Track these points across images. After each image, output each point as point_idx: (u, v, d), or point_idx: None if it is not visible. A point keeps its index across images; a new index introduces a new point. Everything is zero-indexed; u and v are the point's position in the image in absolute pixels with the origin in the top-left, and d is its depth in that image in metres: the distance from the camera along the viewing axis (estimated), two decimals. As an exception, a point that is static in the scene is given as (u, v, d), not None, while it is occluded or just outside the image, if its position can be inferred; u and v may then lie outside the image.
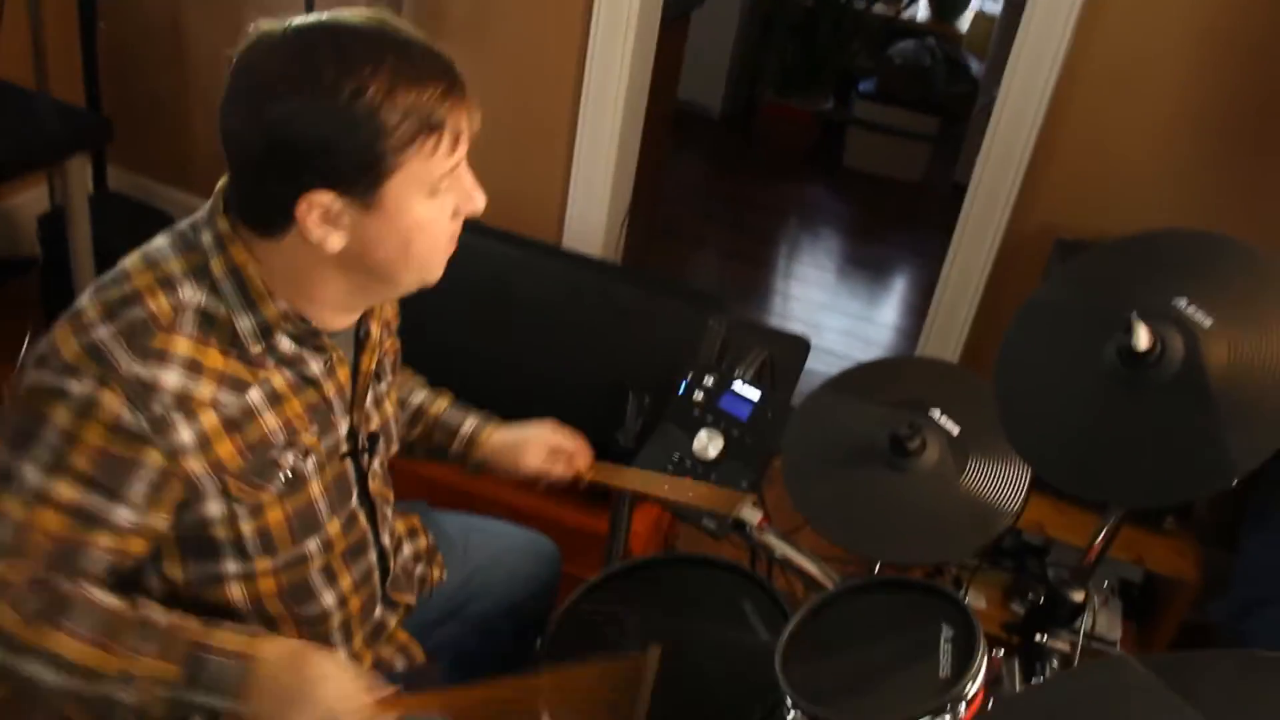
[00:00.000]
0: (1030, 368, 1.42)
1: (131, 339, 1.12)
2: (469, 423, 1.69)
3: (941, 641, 1.30)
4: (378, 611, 1.49)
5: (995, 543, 1.54)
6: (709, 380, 1.86)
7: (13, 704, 1.30)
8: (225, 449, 1.18)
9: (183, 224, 1.23)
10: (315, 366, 1.26)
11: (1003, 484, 1.52)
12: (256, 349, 1.20)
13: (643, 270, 3.44)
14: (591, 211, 3.00)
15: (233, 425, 1.18)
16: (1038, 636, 1.47)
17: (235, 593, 1.29)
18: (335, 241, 1.16)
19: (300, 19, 1.12)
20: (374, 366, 1.37)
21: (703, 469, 1.76)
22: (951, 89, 5.23)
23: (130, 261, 1.20)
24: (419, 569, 1.61)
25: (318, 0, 2.73)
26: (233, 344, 1.19)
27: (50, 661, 1.14)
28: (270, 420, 1.21)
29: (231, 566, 1.27)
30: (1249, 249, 1.32)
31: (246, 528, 1.24)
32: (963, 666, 1.24)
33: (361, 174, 1.12)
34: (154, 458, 1.14)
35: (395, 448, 1.49)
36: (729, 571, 1.64)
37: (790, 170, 5.37)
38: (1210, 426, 1.23)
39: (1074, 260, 1.47)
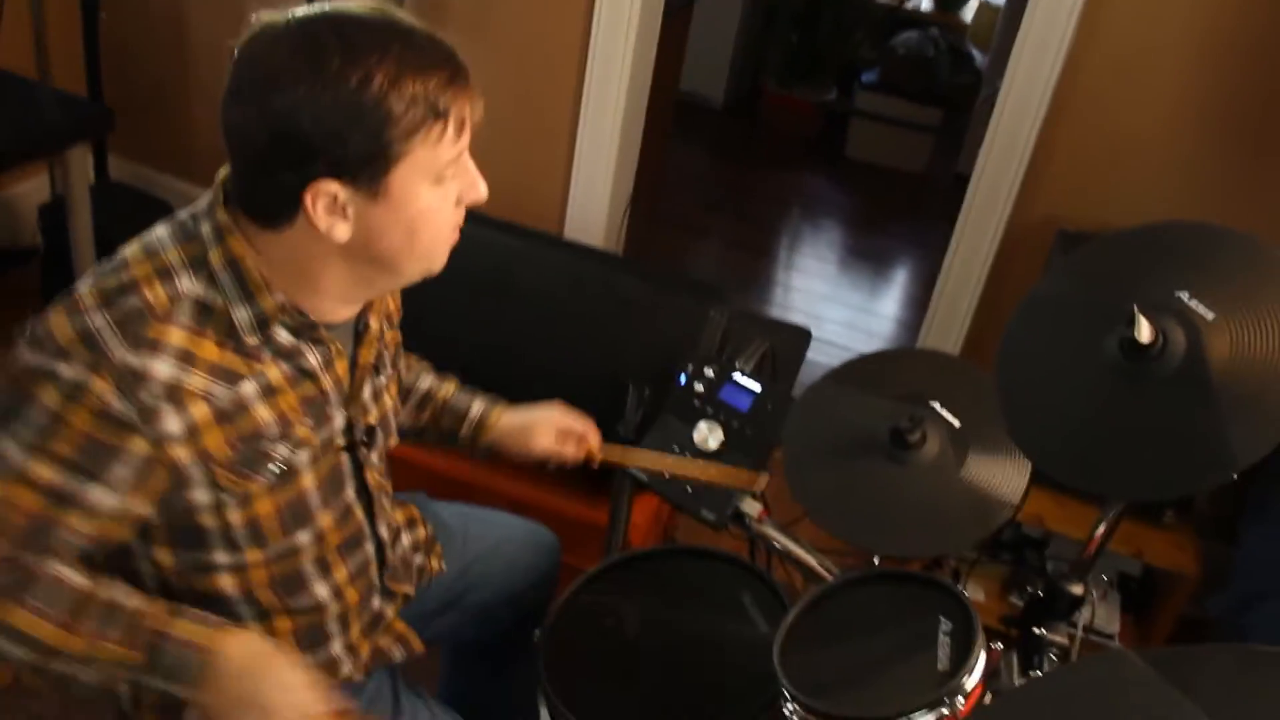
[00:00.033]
0: (1031, 360, 1.42)
1: (125, 327, 1.12)
2: (477, 406, 1.69)
3: (940, 634, 1.30)
4: (375, 602, 1.49)
5: (994, 535, 1.54)
6: (709, 371, 1.85)
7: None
8: (214, 439, 1.18)
9: (183, 214, 1.23)
10: (313, 359, 1.26)
11: (1003, 477, 1.52)
12: (253, 341, 1.20)
13: (644, 261, 3.43)
14: (593, 202, 3.00)
15: (224, 417, 1.18)
16: (1036, 630, 1.47)
17: (226, 583, 1.29)
18: (341, 231, 1.16)
19: (302, 10, 1.12)
20: (372, 359, 1.37)
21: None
22: (955, 80, 5.22)
23: (130, 251, 1.20)
24: (417, 559, 1.61)
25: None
26: (229, 336, 1.19)
27: (12, 637, 1.15)
28: (263, 413, 1.21)
29: (221, 557, 1.27)
30: (1252, 242, 1.31)
31: (235, 517, 1.24)
32: (961, 659, 1.24)
33: (368, 163, 1.12)
34: (139, 445, 1.14)
35: (395, 440, 1.49)
36: (728, 563, 1.64)
37: (792, 161, 5.37)
38: (1211, 420, 1.23)
39: (1076, 252, 1.47)
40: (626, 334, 2.28)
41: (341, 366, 1.31)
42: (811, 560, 1.66)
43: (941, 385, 1.62)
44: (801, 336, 2.35)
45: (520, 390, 1.79)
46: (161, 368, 1.13)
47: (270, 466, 1.24)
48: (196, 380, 1.15)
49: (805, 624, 1.37)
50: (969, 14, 5.61)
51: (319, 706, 1.22)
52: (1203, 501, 2.51)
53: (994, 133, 2.58)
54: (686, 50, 3.88)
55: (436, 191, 1.19)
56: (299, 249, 1.19)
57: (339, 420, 1.32)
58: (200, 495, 1.20)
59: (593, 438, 1.73)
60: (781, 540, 1.69)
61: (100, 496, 1.14)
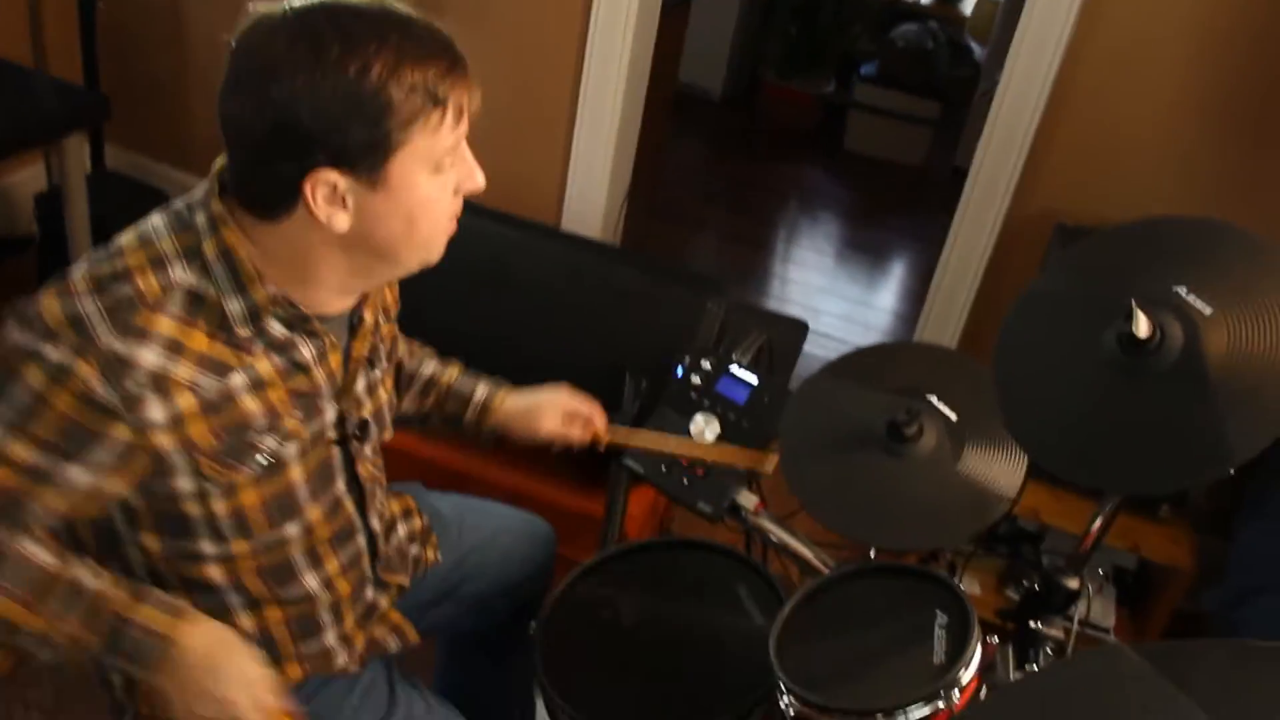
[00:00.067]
0: (1029, 354, 1.42)
1: (115, 314, 1.12)
2: (481, 389, 1.69)
3: (936, 627, 1.30)
4: (369, 593, 1.49)
5: (991, 529, 1.54)
6: (706, 363, 1.85)
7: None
8: (198, 429, 1.18)
9: (179, 203, 1.23)
10: (306, 352, 1.26)
11: (999, 470, 1.52)
12: (244, 333, 1.20)
13: (641, 253, 3.43)
14: (591, 193, 3.00)
15: (210, 407, 1.18)
16: (1032, 623, 1.48)
17: (214, 573, 1.30)
18: (341, 221, 1.16)
19: (299, 1, 1.12)
20: (366, 353, 1.37)
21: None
22: (954, 73, 5.22)
23: (125, 239, 1.20)
24: (413, 550, 1.61)
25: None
26: (221, 327, 1.18)
27: None
28: (250, 404, 1.21)
29: (207, 547, 1.27)
30: (1250, 237, 1.31)
31: (219, 507, 1.24)
32: (957, 653, 1.25)
33: (368, 151, 1.12)
34: (121, 432, 1.14)
35: (389, 433, 1.49)
36: (724, 556, 1.64)
37: (791, 153, 5.36)
38: (1208, 415, 1.23)
39: (1074, 247, 1.47)
40: (624, 326, 2.28)
41: (335, 359, 1.30)
42: (808, 553, 1.66)
43: (938, 379, 1.62)
44: (799, 329, 2.35)
45: (517, 382, 1.78)
46: (148, 356, 1.13)
47: (257, 458, 1.23)
48: (183, 370, 1.15)
49: (801, 617, 1.37)
50: (968, 7, 5.60)
51: (273, 700, 1.24)
52: (1198, 496, 2.51)
53: (993, 126, 2.58)
54: (685, 42, 3.87)
55: (435, 180, 1.19)
56: (297, 240, 1.19)
57: (330, 413, 1.32)
58: (184, 483, 1.20)
59: (598, 420, 1.73)
60: (778, 533, 1.69)
61: (77, 476, 1.15)
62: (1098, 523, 1.45)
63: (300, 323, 1.24)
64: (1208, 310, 1.28)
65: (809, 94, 5.37)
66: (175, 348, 1.15)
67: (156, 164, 3.52)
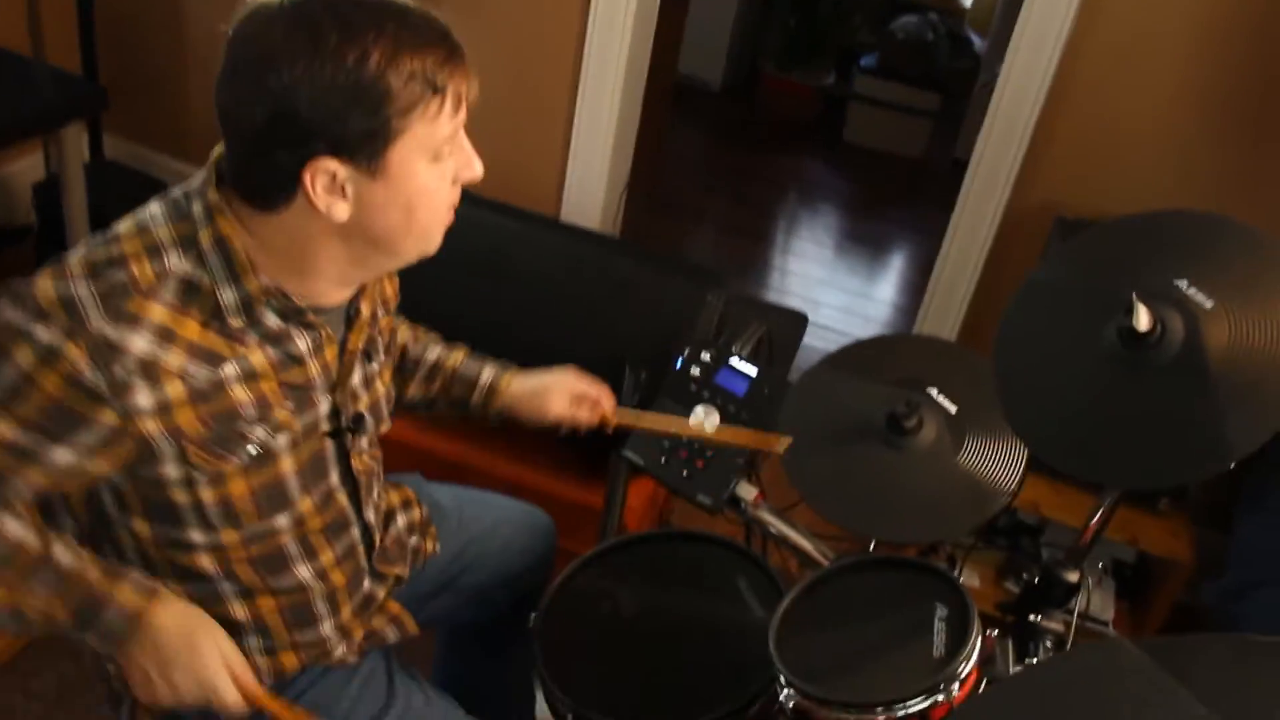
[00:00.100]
0: (1029, 347, 1.42)
1: (107, 299, 1.13)
2: (487, 372, 1.68)
3: (936, 620, 1.30)
4: (366, 584, 1.49)
5: (990, 522, 1.54)
6: (706, 355, 1.85)
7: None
8: (186, 417, 1.18)
9: (176, 191, 1.23)
10: (301, 344, 1.26)
11: (999, 463, 1.52)
12: (237, 323, 1.19)
13: (641, 244, 3.43)
14: (590, 184, 2.99)
15: (199, 396, 1.18)
16: (1032, 616, 1.48)
17: (205, 561, 1.30)
18: (340, 211, 1.16)
19: None
20: (362, 345, 1.36)
21: (699, 445, 1.75)
22: (954, 65, 5.21)
23: (123, 226, 1.20)
24: (412, 541, 1.61)
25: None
26: (214, 316, 1.18)
27: None
28: (240, 394, 1.21)
29: (196, 535, 1.27)
30: (1251, 231, 1.31)
31: (207, 495, 1.24)
32: (957, 646, 1.25)
33: (367, 140, 1.12)
34: (107, 417, 1.14)
35: (388, 426, 1.49)
36: (724, 548, 1.64)
37: (790, 145, 5.36)
38: (1209, 409, 1.23)
39: (1075, 239, 1.47)
40: (623, 317, 2.28)
41: (331, 352, 1.30)
42: (807, 545, 1.66)
43: (938, 371, 1.62)
44: (798, 321, 2.35)
45: (516, 373, 1.78)
46: (138, 342, 1.13)
47: (246, 448, 1.23)
48: (174, 358, 1.15)
49: (801, 609, 1.37)
50: (968, -1, 5.59)
51: (249, 676, 1.27)
52: (1198, 489, 2.52)
53: (993, 118, 2.57)
54: (685, 32, 3.86)
55: (434, 169, 1.19)
56: (295, 230, 1.18)
57: (324, 406, 1.31)
58: (170, 470, 1.20)
59: (606, 402, 1.72)
60: (777, 525, 1.69)
61: (60, 457, 1.16)
62: (1098, 516, 1.45)
63: (295, 314, 1.23)
64: (1208, 304, 1.28)
65: (809, 85, 5.36)
66: (167, 335, 1.15)
67: (155, 154, 3.51)
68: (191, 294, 1.17)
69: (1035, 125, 2.53)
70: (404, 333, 1.65)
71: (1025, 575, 1.51)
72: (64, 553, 1.22)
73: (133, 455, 1.18)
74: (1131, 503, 2.46)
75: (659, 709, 1.44)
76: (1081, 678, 0.94)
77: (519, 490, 1.92)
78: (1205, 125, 2.42)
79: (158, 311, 1.15)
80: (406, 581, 1.58)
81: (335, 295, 1.28)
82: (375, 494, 1.48)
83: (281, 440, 1.26)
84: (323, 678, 1.45)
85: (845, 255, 4.52)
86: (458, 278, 2.20)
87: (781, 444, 1.61)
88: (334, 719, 1.43)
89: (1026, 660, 1.44)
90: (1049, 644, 1.46)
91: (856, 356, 1.72)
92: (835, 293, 4.17)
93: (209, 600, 1.30)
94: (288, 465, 1.29)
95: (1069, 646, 1.47)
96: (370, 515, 1.46)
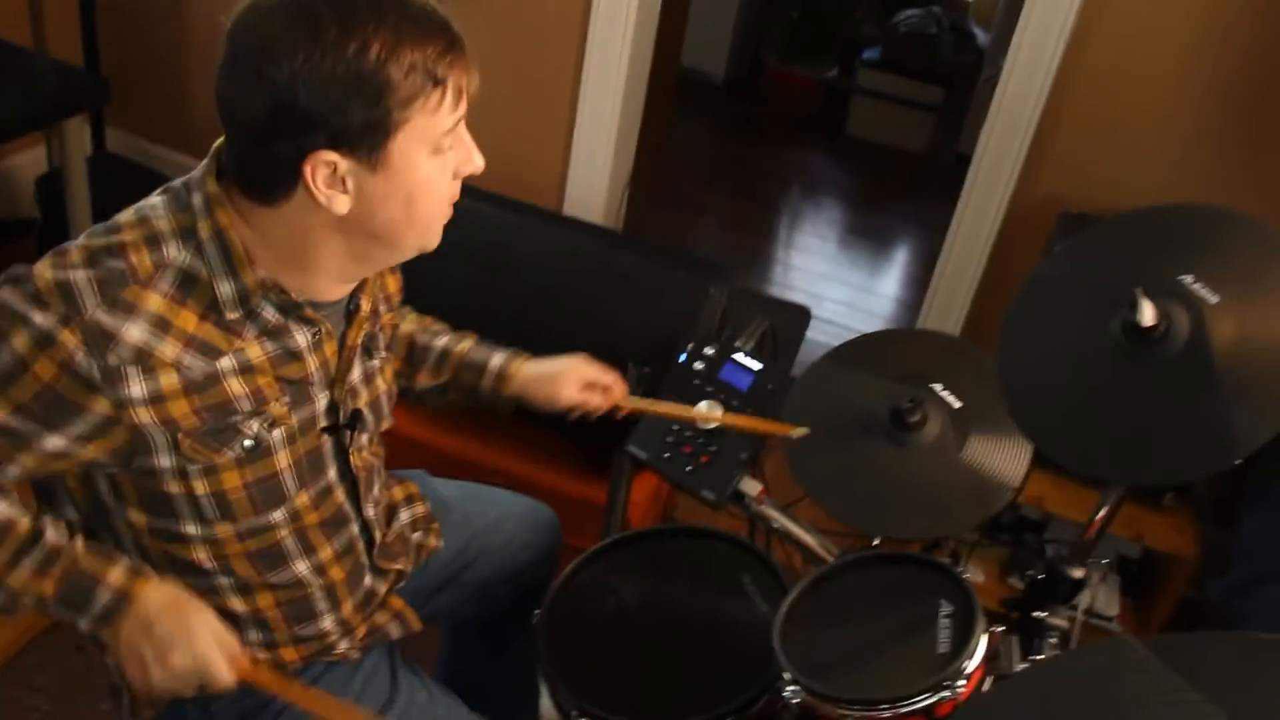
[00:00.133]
0: (1034, 342, 1.41)
1: (104, 287, 1.13)
2: (497, 358, 1.67)
3: (940, 617, 1.30)
4: (366, 580, 1.48)
5: (995, 518, 1.54)
6: (709, 350, 1.84)
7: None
8: (179, 408, 1.18)
9: (177, 183, 1.23)
10: (300, 339, 1.25)
11: (1003, 459, 1.51)
12: (233, 316, 1.19)
13: (644, 238, 3.42)
14: (593, 178, 2.99)
15: (193, 387, 1.18)
16: (1036, 612, 1.47)
17: (201, 555, 1.30)
18: (341, 203, 1.15)
19: None
20: (362, 341, 1.36)
21: (703, 440, 1.75)
22: (957, 58, 5.19)
23: (124, 215, 1.20)
24: (416, 536, 1.60)
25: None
26: (211, 308, 1.18)
27: None
28: (236, 387, 1.21)
29: (191, 528, 1.27)
30: (1256, 225, 1.31)
31: (200, 487, 1.24)
32: (962, 642, 1.24)
33: (367, 132, 1.12)
34: (100, 405, 1.14)
35: (389, 423, 1.48)
36: (728, 543, 1.64)
37: (793, 138, 5.35)
38: (1214, 404, 1.23)
39: (1079, 234, 1.46)
40: (626, 312, 2.28)
41: (330, 348, 1.30)
42: (811, 541, 1.66)
43: (942, 366, 1.62)
44: (801, 315, 2.35)
45: (519, 368, 1.78)
46: (134, 331, 1.13)
47: (240, 441, 1.23)
48: (168, 349, 1.15)
49: (805, 605, 1.37)
50: (972, -8, 5.58)
51: (242, 651, 1.26)
52: (1202, 485, 2.51)
53: (996, 112, 2.57)
54: (687, 26, 3.85)
55: (435, 162, 1.18)
56: (296, 224, 1.18)
57: (322, 402, 1.31)
58: (163, 460, 1.20)
59: (618, 388, 1.71)
60: (781, 520, 1.69)
61: (51, 442, 1.16)
62: (1102, 512, 1.45)
63: (293, 308, 1.23)
64: (1214, 299, 1.27)
65: (812, 79, 5.36)
66: (162, 325, 1.15)
67: (157, 146, 3.51)
68: (189, 285, 1.17)
69: (1039, 119, 2.52)
70: (412, 322, 1.65)
71: (1030, 571, 1.51)
72: (54, 533, 1.23)
73: (125, 444, 1.18)
74: (1136, 498, 2.45)
75: (663, 705, 1.43)
76: (1087, 675, 0.94)
77: (523, 486, 1.91)
78: (1210, 119, 2.41)
79: (154, 301, 1.14)
80: (409, 577, 1.58)
81: (335, 290, 1.27)
82: (376, 490, 1.48)
83: (276, 434, 1.26)
84: (326, 673, 1.45)
85: (848, 249, 4.51)
86: (460, 272, 2.19)
87: (797, 431, 1.60)
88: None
89: (1031, 657, 1.44)
90: (1054, 640, 1.46)
91: (860, 351, 1.71)
92: (838, 287, 4.17)
93: (206, 594, 1.30)
94: (283, 460, 1.28)
95: (1074, 643, 1.46)
96: (370, 511, 1.45)
